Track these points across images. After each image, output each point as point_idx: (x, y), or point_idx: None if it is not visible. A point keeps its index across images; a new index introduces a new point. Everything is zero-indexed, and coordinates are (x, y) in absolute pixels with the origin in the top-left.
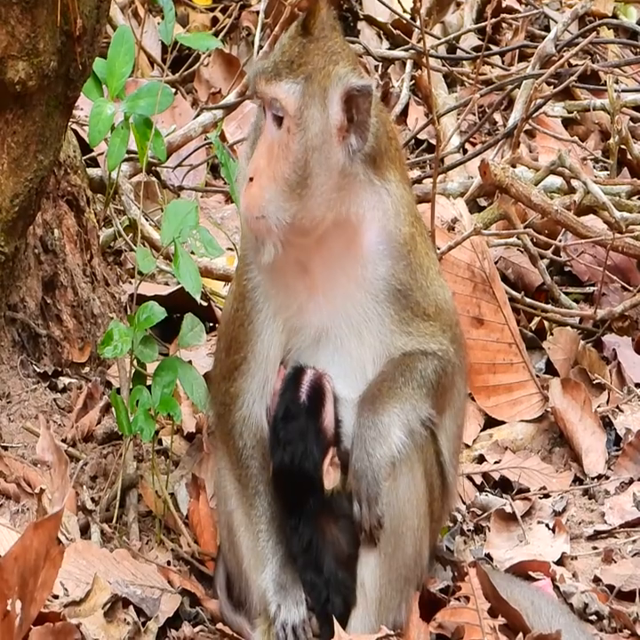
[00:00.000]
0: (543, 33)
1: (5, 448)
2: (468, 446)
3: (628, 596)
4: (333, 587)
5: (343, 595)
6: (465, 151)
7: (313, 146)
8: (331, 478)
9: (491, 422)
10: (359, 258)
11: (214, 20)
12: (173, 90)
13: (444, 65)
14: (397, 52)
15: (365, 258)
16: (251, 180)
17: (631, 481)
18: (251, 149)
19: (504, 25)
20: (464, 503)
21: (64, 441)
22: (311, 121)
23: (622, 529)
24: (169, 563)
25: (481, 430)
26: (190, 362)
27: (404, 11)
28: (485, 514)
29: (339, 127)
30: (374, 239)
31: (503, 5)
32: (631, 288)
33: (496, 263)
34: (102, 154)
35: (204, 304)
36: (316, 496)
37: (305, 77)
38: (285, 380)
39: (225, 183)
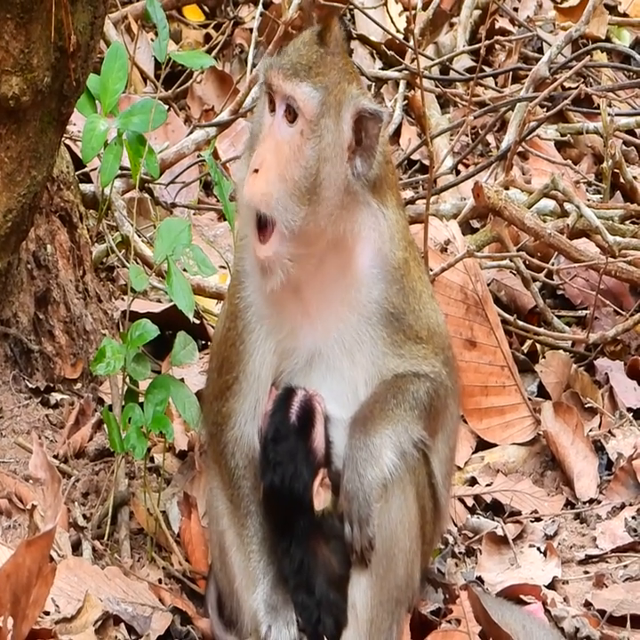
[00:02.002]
0: (537, 55)
1: None
2: (459, 468)
3: (620, 621)
4: (325, 608)
5: (334, 616)
6: (458, 172)
7: (325, 156)
8: (321, 499)
9: (483, 445)
10: (353, 281)
11: (207, 37)
12: (166, 106)
13: (437, 86)
14: (390, 73)
15: (359, 281)
16: (255, 171)
17: (623, 506)
18: (252, 138)
19: (497, 46)
20: (456, 525)
21: (56, 457)
22: (326, 131)
23: (614, 554)
24: (160, 581)
25: (473, 452)
26: (182, 380)
27: (398, 31)
28: (477, 536)
29: (348, 146)
30: (368, 262)
31: (497, 27)
32: (623, 312)
33: (489, 285)
34: (95, 169)
35: (197, 322)
36: (306, 517)
37: (324, 87)
38: (276, 400)
39: (217, 201)
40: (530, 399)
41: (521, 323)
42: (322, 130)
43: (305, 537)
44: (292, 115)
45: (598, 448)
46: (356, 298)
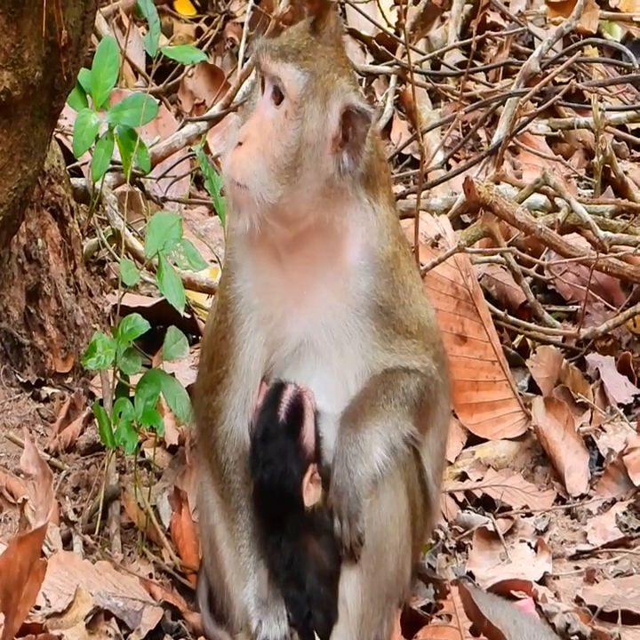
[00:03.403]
0: (528, 49)
1: None
2: (450, 463)
3: (610, 617)
4: (315, 603)
5: (325, 611)
6: (449, 167)
7: (307, 140)
8: (311, 495)
9: (473, 440)
10: (341, 270)
11: (199, 31)
12: (157, 100)
13: (428, 80)
14: (382, 67)
15: (348, 271)
16: (239, 144)
17: (614, 501)
18: (243, 117)
19: (489, 41)
20: (446, 521)
21: (47, 451)
22: (310, 115)
23: (604, 549)
24: (151, 575)
25: (463, 448)
26: (173, 374)
27: (389, 25)
28: (467, 532)
29: (333, 137)
30: (357, 254)
31: (488, 21)
32: (614, 307)
33: (479, 280)
34: (86, 163)
35: (188, 316)
36: (297, 513)
37: (311, 72)
38: (265, 397)
39: (208, 195)
40: (520, 394)
41: (512, 318)
42: (305, 113)
43: (295, 533)
44: (278, 95)
45: (589, 443)
46: (344, 288)
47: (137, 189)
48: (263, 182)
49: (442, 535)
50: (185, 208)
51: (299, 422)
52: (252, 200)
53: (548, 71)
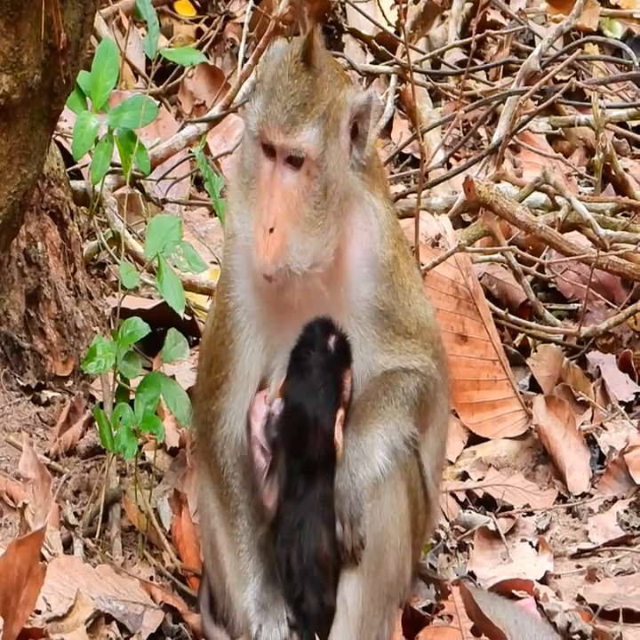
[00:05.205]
0: (528, 47)
1: None
2: (451, 463)
3: (612, 616)
4: (308, 582)
5: (318, 595)
6: (449, 166)
7: (332, 179)
8: (340, 436)
9: (474, 439)
10: (343, 280)
11: (199, 32)
12: (157, 102)
13: (428, 79)
14: (382, 67)
15: (349, 280)
16: (271, 230)
17: (615, 499)
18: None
19: (489, 39)
20: (447, 520)
21: (47, 455)
22: (331, 157)
23: (606, 548)
24: (152, 578)
25: (465, 447)
26: (173, 376)
27: (389, 24)
28: (469, 531)
29: (349, 147)
30: (358, 262)
31: (488, 19)
32: (615, 305)
33: (480, 279)
34: (86, 166)
35: (188, 318)
36: (321, 461)
37: (320, 116)
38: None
39: (208, 196)
40: (521, 393)
41: (512, 316)
42: (327, 159)
43: (312, 490)
44: (296, 161)
45: (590, 442)
46: (345, 297)
47: (137, 191)
48: (302, 250)
49: (443, 535)
50: (185, 209)
51: (345, 359)
52: (293, 272)
53: (549, 69)
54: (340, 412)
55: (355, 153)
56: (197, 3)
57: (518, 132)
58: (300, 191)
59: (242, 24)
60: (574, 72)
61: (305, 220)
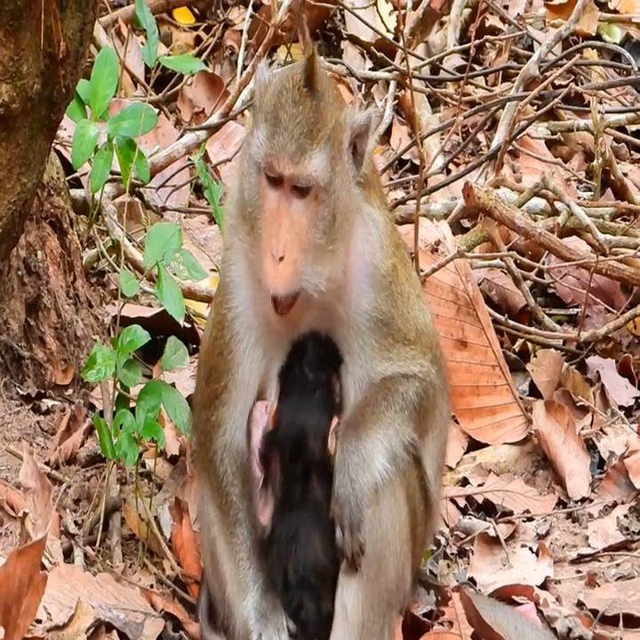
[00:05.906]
0: (527, 52)
1: None
2: (451, 469)
3: (612, 621)
4: (306, 590)
5: (316, 603)
6: (449, 172)
7: (339, 202)
8: (333, 445)
9: (474, 445)
10: (342, 293)
11: (198, 40)
12: (157, 110)
13: (427, 85)
14: (381, 73)
15: (348, 293)
16: (281, 259)
17: (615, 504)
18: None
19: (488, 44)
20: (447, 526)
21: (47, 464)
22: (338, 180)
23: (606, 553)
24: (152, 586)
25: (464, 453)
26: (174, 384)
27: (388, 31)
28: (469, 537)
29: (351, 168)
30: (359, 273)
31: (487, 25)
32: (615, 310)
33: (479, 285)
34: (85, 174)
35: (188, 326)
36: (315, 469)
37: (326, 140)
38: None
39: (208, 204)
40: (521, 398)
41: (512, 322)
42: (334, 183)
43: (307, 499)
44: (304, 189)
45: (590, 446)
46: (345, 311)
47: (136, 199)
48: (316, 273)
49: (443, 541)
50: (184, 217)
51: (333, 365)
52: (307, 294)
53: (548, 74)
54: (335, 421)
55: (353, 170)
56: (196, 10)
57: (517, 137)
58: (308, 217)
59: (241, 31)
60: (573, 77)
61: (314, 244)
